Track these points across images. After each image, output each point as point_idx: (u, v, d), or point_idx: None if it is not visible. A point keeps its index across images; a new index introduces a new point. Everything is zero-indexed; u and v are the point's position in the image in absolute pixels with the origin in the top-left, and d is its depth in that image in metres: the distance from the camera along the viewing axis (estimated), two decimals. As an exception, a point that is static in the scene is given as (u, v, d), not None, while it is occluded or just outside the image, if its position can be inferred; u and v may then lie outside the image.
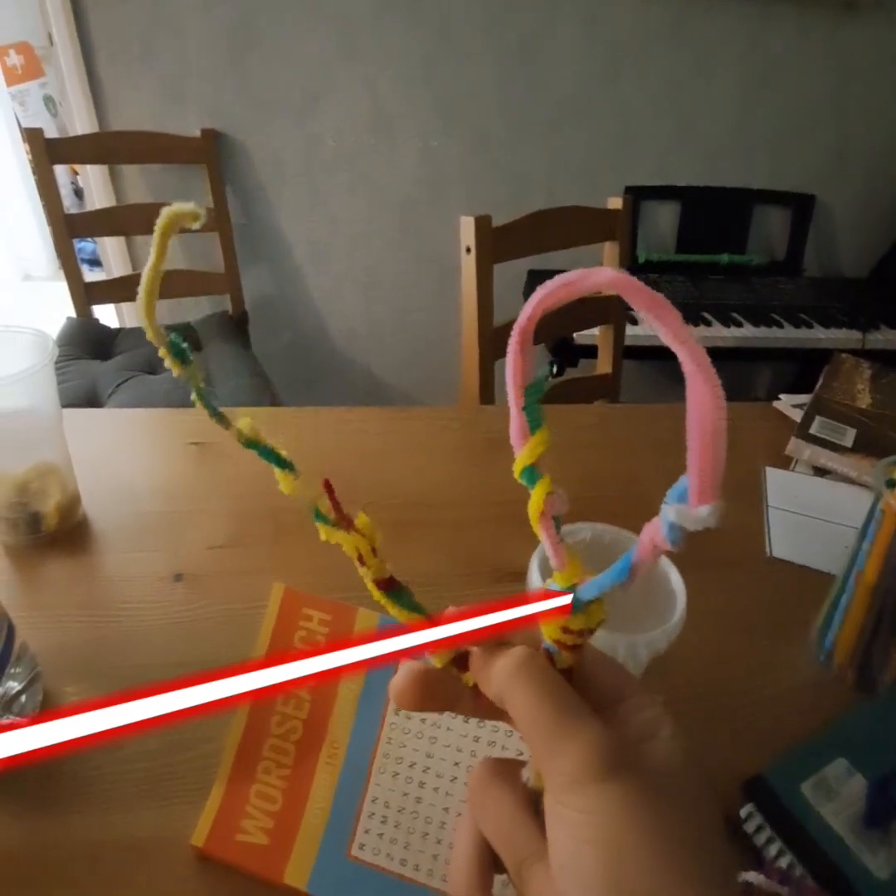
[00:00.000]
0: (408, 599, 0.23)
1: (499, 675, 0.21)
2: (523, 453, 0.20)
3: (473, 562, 0.52)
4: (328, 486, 0.22)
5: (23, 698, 0.38)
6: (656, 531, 0.17)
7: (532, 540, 0.38)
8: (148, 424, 0.67)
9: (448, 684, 0.23)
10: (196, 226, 0.17)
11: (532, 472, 0.20)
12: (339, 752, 0.33)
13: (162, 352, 0.19)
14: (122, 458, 0.62)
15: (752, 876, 0.33)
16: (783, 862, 0.34)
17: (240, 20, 1.46)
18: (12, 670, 0.37)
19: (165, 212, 0.17)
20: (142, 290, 0.19)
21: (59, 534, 0.51)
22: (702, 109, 1.65)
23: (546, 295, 0.18)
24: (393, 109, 1.59)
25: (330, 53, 1.51)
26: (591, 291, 0.17)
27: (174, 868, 0.32)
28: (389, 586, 0.23)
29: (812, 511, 0.60)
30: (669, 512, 0.17)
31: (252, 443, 0.21)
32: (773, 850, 0.35)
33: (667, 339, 0.16)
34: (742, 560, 0.54)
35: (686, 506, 0.17)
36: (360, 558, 0.22)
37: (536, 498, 0.20)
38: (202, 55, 1.48)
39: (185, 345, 0.20)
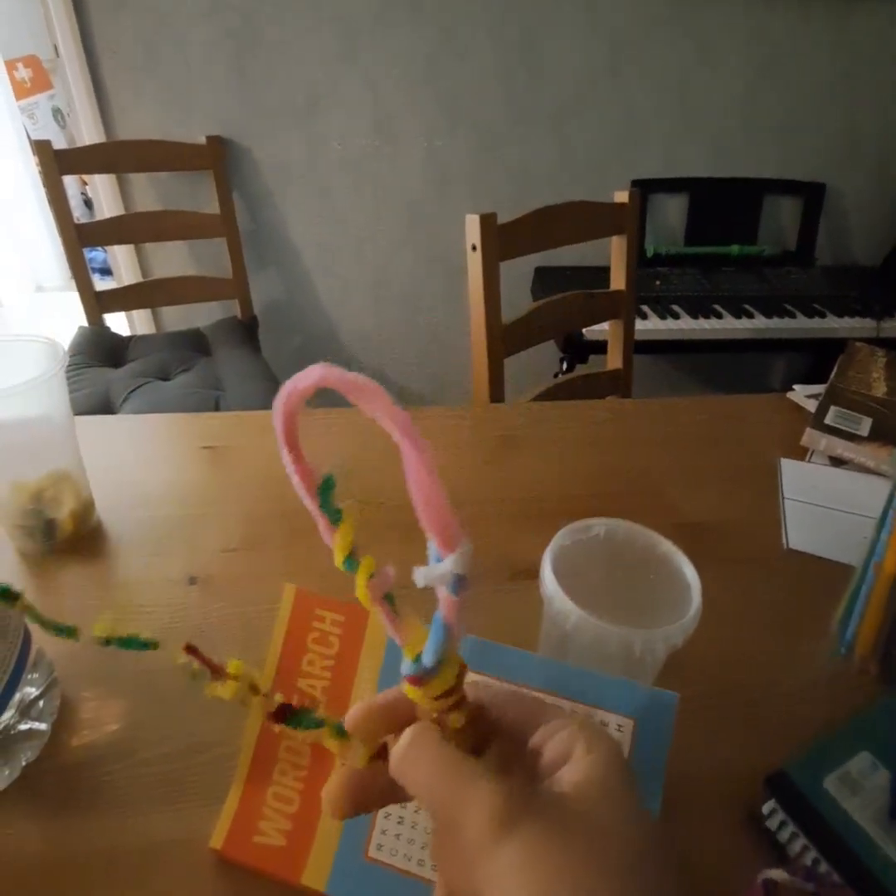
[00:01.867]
0: (309, 718, 0.24)
1: (392, 762, 0.21)
2: (337, 548, 0.20)
3: (488, 560, 0.52)
4: (190, 649, 0.23)
5: (40, 704, 0.38)
6: (442, 590, 0.19)
7: (546, 536, 0.38)
8: (160, 429, 0.68)
9: (378, 781, 0.22)
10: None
11: (351, 561, 0.20)
12: None
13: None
14: (135, 463, 0.62)
15: (775, 873, 0.32)
16: (807, 858, 0.34)
17: (242, 26, 1.47)
18: (29, 676, 0.37)
19: None
20: None
21: (73, 540, 0.51)
22: (707, 100, 1.63)
23: (285, 411, 0.19)
24: (396, 110, 1.59)
25: (332, 56, 1.52)
26: (308, 393, 0.18)
27: (192, 871, 0.32)
28: (284, 715, 0.24)
29: (829, 502, 0.59)
30: (419, 575, 0.19)
31: (110, 640, 0.22)
32: (796, 846, 0.34)
33: (377, 417, 0.18)
34: (759, 553, 0.54)
35: (438, 563, 0.18)
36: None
37: (360, 583, 0.20)
38: (206, 62, 1.49)
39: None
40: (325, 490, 0.20)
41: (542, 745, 0.22)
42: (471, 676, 0.22)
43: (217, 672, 0.23)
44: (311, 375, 0.18)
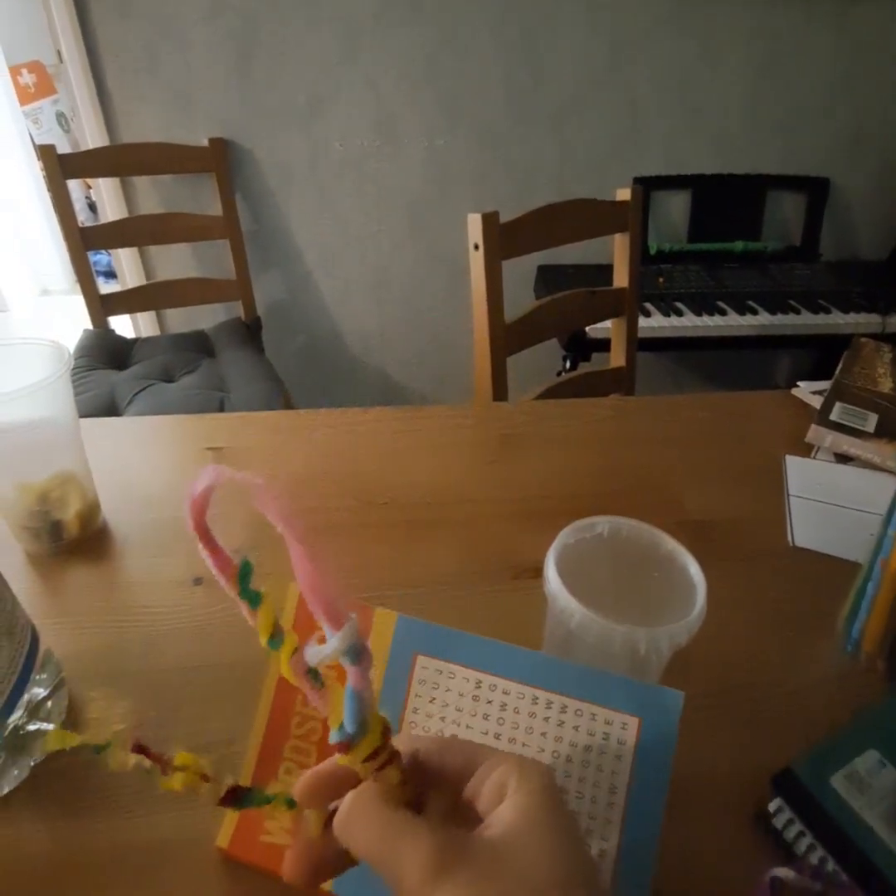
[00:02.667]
0: (258, 796, 0.25)
1: (335, 828, 0.22)
2: (260, 629, 0.22)
3: (491, 559, 0.52)
4: (138, 748, 0.24)
5: (48, 704, 0.38)
6: (344, 662, 0.20)
7: (550, 535, 0.38)
8: (164, 431, 0.68)
9: (334, 847, 0.23)
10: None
11: (275, 640, 0.22)
12: None
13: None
14: (140, 465, 0.62)
15: (782, 871, 0.32)
16: (814, 857, 0.34)
17: (243, 29, 1.47)
18: (37, 677, 0.38)
19: None
20: None
21: (79, 541, 0.52)
22: (709, 96, 1.63)
23: (193, 512, 0.21)
24: (397, 110, 1.59)
25: (333, 57, 1.52)
26: (208, 494, 0.20)
27: (199, 870, 0.32)
28: (235, 797, 0.25)
29: (834, 498, 0.59)
30: (311, 655, 0.20)
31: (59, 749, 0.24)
32: (803, 845, 0.34)
33: (270, 518, 0.19)
34: (764, 550, 0.54)
35: (327, 641, 0.20)
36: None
37: (284, 660, 0.22)
38: (207, 65, 1.50)
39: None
40: (243, 576, 0.21)
41: (480, 788, 0.22)
42: (424, 725, 0.23)
43: (166, 766, 0.24)
44: (205, 478, 0.19)
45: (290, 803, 0.25)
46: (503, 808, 0.21)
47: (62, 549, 0.51)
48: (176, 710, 0.40)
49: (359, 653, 0.20)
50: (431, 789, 0.23)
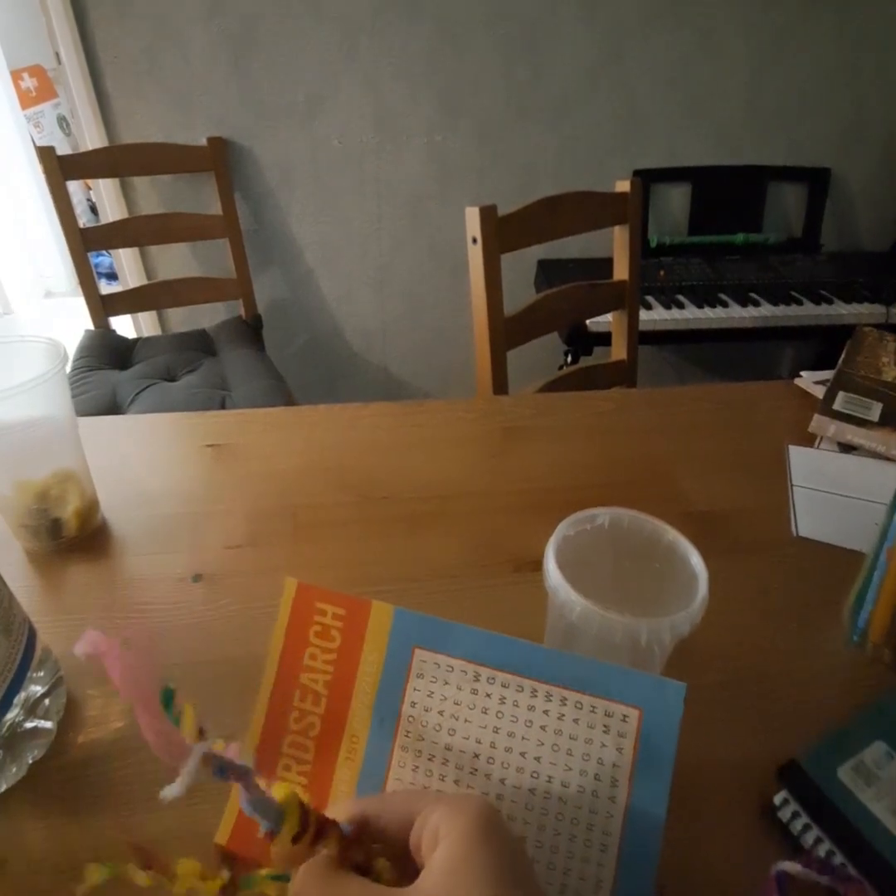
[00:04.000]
0: (255, 879, 0.27)
1: None
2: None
3: (493, 552, 0.51)
4: (141, 854, 0.26)
5: (46, 702, 0.38)
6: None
7: (552, 528, 0.38)
8: (164, 428, 0.68)
9: None
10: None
11: (223, 771, 0.22)
12: (358, 747, 0.32)
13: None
14: (139, 462, 0.62)
15: (788, 865, 0.31)
16: (822, 850, 0.33)
17: (240, 27, 1.46)
18: (35, 674, 0.37)
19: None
20: None
21: (79, 539, 0.52)
22: (709, 87, 1.62)
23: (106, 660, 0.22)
24: (396, 106, 1.58)
25: (331, 54, 1.51)
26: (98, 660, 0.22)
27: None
28: (230, 890, 0.27)
29: (838, 488, 0.58)
30: (167, 792, 0.21)
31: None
32: (810, 838, 0.34)
33: (111, 676, 0.21)
34: (768, 541, 0.53)
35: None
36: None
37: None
38: (205, 64, 1.50)
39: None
40: (166, 702, 0.23)
41: (420, 838, 0.23)
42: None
43: (162, 871, 0.26)
44: (85, 639, 0.21)
45: (277, 876, 0.26)
46: (436, 853, 0.21)
47: (61, 547, 0.51)
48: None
49: (224, 773, 0.21)
50: (383, 845, 0.24)
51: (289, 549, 0.52)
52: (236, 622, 0.45)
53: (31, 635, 0.37)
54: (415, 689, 0.33)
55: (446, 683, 0.32)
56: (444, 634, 0.33)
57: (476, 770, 0.31)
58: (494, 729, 0.31)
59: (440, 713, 0.32)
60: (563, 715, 0.31)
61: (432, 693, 0.32)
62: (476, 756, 0.31)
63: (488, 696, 0.32)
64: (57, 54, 1.51)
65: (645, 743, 0.30)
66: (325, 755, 0.33)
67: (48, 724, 0.37)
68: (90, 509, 0.53)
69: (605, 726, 0.30)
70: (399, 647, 0.33)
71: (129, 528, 0.53)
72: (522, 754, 0.31)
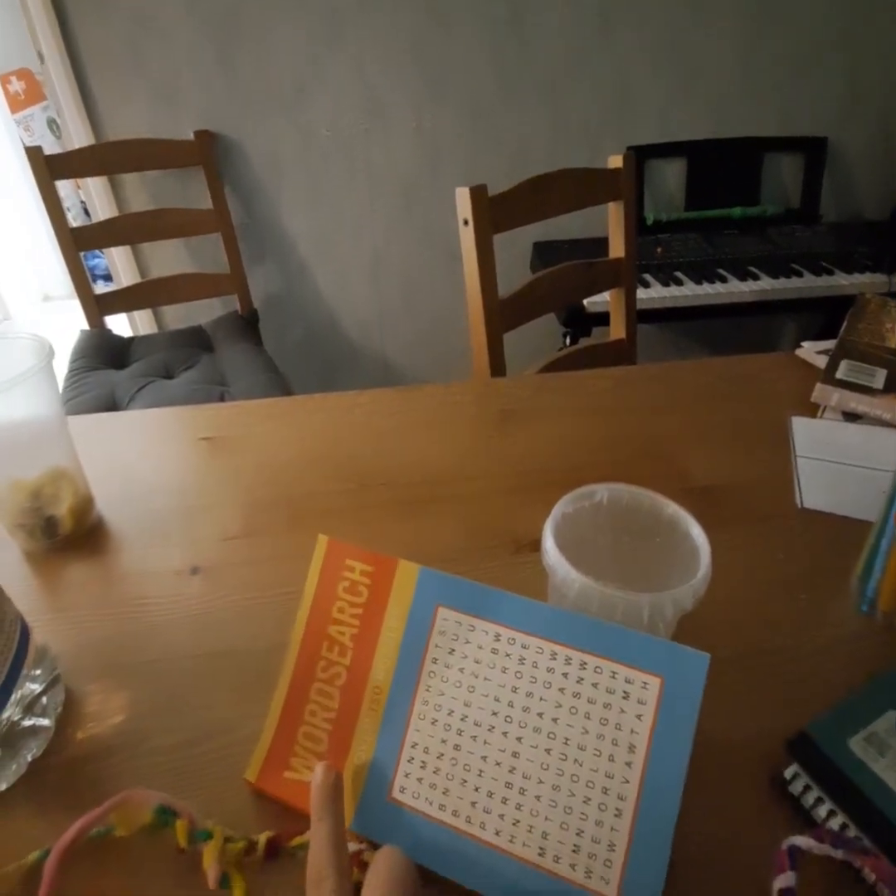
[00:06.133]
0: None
1: None
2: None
3: (492, 534, 0.51)
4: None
5: (44, 700, 0.37)
6: None
7: (550, 508, 0.37)
8: (158, 423, 0.67)
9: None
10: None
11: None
12: (381, 698, 0.33)
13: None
14: (134, 457, 0.61)
15: (800, 840, 0.31)
16: (835, 823, 0.33)
17: (223, 20, 1.44)
18: (32, 672, 0.37)
19: None
20: None
21: (74, 537, 0.51)
22: (701, 59, 1.59)
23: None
24: (384, 92, 1.56)
25: (316, 43, 1.49)
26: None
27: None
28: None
29: (843, 458, 0.57)
30: None
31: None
32: (823, 811, 0.33)
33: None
34: (772, 514, 0.52)
35: None
36: None
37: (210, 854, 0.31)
38: (190, 58, 1.48)
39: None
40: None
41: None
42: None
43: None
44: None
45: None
46: None
47: (57, 545, 0.50)
48: (175, 701, 0.39)
49: None
50: None
51: (287, 539, 0.51)
52: (235, 612, 0.45)
53: (24, 633, 0.36)
54: (436, 646, 0.33)
55: (467, 642, 0.33)
56: (468, 595, 0.34)
57: (493, 727, 0.31)
58: (513, 688, 0.32)
59: (461, 671, 0.33)
60: (583, 679, 0.31)
61: (453, 651, 0.33)
62: (494, 714, 0.32)
63: (508, 656, 0.32)
64: (40, 54, 1.49)
65: (665, 712, 0.29)
66: (349, 704, 0.34)
67: (46, 722, 0.37)
68: (85, 506, 0.52)
69: (625, 692, 0.30)
70: (423, 604, 0.34)
71: (125, 524, 0.53)
72: (540, 715, 0.31)
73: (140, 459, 0.61)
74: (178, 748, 0.36)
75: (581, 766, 0.30)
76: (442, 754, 0.32)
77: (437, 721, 0.32)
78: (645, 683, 0.30)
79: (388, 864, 0.26)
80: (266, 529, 0.52)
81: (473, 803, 0.30)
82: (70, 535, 0.51)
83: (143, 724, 0.38)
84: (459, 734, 0.32)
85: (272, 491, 0.56)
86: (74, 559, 0.50)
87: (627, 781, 0.29)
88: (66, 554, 0.50)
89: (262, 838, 0.32)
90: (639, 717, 0.30)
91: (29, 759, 0.35)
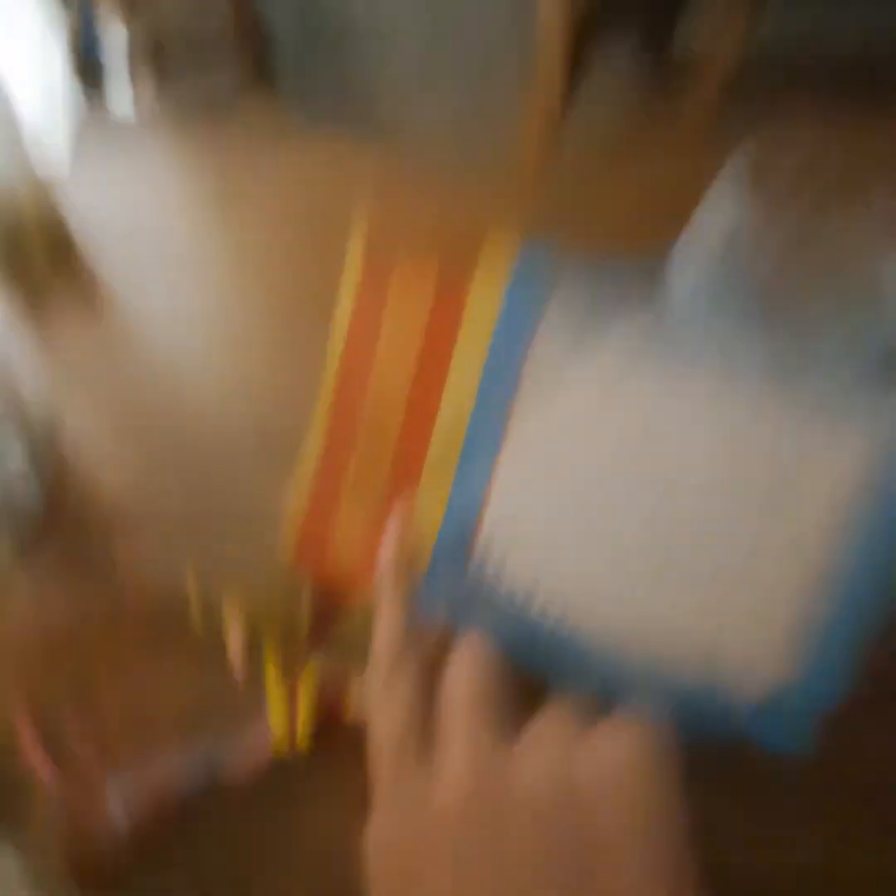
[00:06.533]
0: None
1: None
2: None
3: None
4: None
5: (29, 476, 0.29)
6: None
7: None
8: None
9: None
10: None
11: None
12: (454, 446, 0.23)
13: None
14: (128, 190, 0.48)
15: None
16: None
17: None
18: (11, 438, 0.28)
19: None
20: None
21: (58, 282, 0.40)
22: None
23: None
24: None
25: None
26: None
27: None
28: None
29: None
30: None
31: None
32: None
33: None
34: None
35: None
36: None
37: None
38: None
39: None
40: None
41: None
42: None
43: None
44: None
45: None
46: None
47: (37, 290, 0.40)
48: (193, 468, 0.30)
49: None
50: None
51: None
52: (266, 380, 0.34)
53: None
54: (534, 381, 0.22)
55: (586, 373, 0.21)
56: (599, 287, 0.21)
57: (617, 472, 0.21)
58: (641, 440, 0.21)
59: (570, 414, 0.22)
60: (751, 432, 0.20)
61: (564, 380, 0.22)
62: (609, 474, 0.21)
63: (642, 394, 0.21)
64: None
65: (874, 504, 0.19)
66: (410, 456, 0.24)
67: (37, 493, 0.29)
68: (59, 237, 0.40)
69: (807, 464, 0.20)
70: (517, 314, 0.22)
71: (125, 272, 0.41)
72: (672, 480, 0.21)
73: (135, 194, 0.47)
74: (197, 522, 0.28)
75: (721, 549, 0.20)
76: (538, 519, 0.22)
77: (527, 483, 0.22)
78: (841, 452, 0.19)
79: (475, 657, 0.19)
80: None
81: (587, 584, 0.22)
82: (49, 275, 0.40)
83: (154, 496, 0.29)
84: (569, 489, 0.22)
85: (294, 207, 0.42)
86: (64, 308, 0.39)
87: (787, 578, 0.20)
88: (55, 312, 0.39)
89: (305, 618, 0.24)
90: (828, 506, 0.20)
91: (14, 542, 0.28)
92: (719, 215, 0.25)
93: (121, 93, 1.13)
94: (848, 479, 0.19)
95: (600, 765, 0.16)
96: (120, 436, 0.32)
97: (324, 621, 0.24)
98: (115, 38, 1.09)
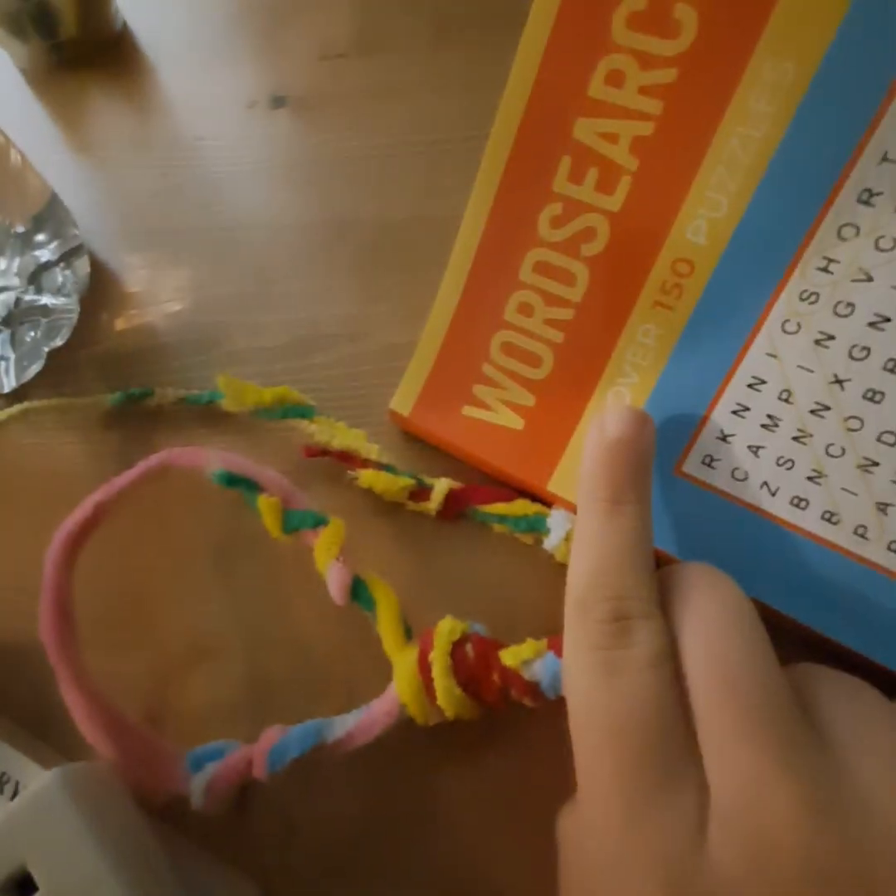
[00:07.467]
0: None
1: None
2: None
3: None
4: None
5: (59, 274, 0.23)
6: None
7: None
8: None
9: None
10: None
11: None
12: (689, 286, 0.15)
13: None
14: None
15: None
16: None
17: None
18: (36, 236, 0.22)
19: None
20: None
21: (88, 46, 0.32)
22: None
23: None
24: None
25: None
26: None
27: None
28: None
29: None
30: None
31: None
32: None
33: None
34: None
35: None
36: None
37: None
38: None
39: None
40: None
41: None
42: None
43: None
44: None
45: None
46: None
47: (66, 57, 0.32)
48: (265, 287, 0.24)
49: None
50: None
51: (425, 60, 0.30)
52: (347, 165, 0.27)
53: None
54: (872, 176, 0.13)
55: None
56: None
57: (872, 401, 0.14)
58: None
59: (873, 253, 0.13)
60: None
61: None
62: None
63: None
64: None
65: None
66: (610, 292, 0.16)
67: (66, 302, 0.23)
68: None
69: None
70: (852, 60, 0.13)
71: (165, 34, 0.33)
72: None
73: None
74: (272, 358, 0.22)
75: None
76: (784, 421, 0.15)
77: (800, 357, 0.15)
78: None
79: (717, 595, 0.12)
80: (392, 44, 0.30)
81: (856, 504, 0.15)
82: (78, 40, 0.31)
83: (215, 319, 0.23)
84: (835, 382, 0.14)
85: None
86: (93, 82, 0.31)
87: None
88: (80, 74, 0.31)
89: (441, 487, 0.18)
90: None
91: (46, 350, 0.22)
92: None
93: None
94: None
95: None
96: (159, 232, 0.25)
97: (463, 499, 0.18)
98: None
